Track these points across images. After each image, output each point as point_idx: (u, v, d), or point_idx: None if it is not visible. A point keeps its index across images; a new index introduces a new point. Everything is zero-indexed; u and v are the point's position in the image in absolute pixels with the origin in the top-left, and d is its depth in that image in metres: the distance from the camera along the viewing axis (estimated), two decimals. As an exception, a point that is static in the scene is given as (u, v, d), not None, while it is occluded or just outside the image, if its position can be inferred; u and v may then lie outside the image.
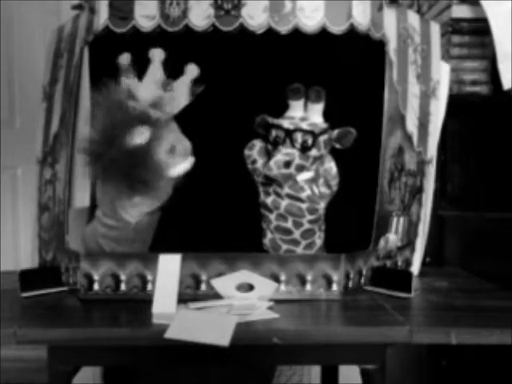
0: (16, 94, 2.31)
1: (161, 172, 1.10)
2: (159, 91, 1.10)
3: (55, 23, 1.44)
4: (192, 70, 1.15)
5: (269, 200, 1.20)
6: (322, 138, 1.17)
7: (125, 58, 1.11)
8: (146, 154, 1.07)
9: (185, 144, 1.14)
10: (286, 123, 1.17)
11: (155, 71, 1.13)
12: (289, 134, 1.16)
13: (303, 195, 1.18)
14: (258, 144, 1.23)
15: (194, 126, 1.27)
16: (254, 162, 1.22)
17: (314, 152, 1.16)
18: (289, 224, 1.19)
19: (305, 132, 1.15)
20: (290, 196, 1.18)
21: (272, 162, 1.15)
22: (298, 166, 1.16)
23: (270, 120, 1.19)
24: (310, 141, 1.15)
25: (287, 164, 1.15)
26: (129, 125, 1.06)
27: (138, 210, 1.13)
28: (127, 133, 1.06)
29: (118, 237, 1.15)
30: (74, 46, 1.21)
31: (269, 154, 1.20)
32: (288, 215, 1.19)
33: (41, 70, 1.34)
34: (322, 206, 1.20)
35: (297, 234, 1.20)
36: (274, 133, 1.17)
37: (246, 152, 1.23)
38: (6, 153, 2.26)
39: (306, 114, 1.19)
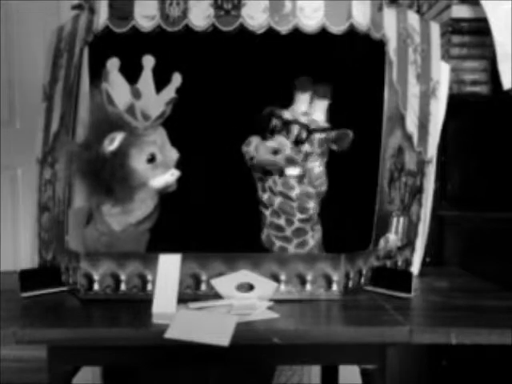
0: (16, 94, 2.31)
1: (136, 182, 1.09)
2: (132, 98, 1.09)
3: (55, 23, 1.44)
4: (176, 79, 1.14)
5: (265, 196, 1.21)
6: (318, 136, 1.17)
7: (113, 62, 1.09)
8: (114, 161, 1.07)
9: (168, 154, 1.13)
10: (286, 114, 1.17)
11: (146, 78, 1.12)
12: (286, 124, 1.16)
13: (293, 194, 1.19)
14: (254, 140, 1.22)
15: (192, 126, 1.27)
16: (251, 158, 1.21)
17: (306, 147, 1.17)
18: (281, 221, 1.20)
19: (301, 125, 1.16)
20: (282, 194, 1.19)
21: (262, 147, 1.16)
22: (288, 157, 1.16)
23: (274, 110, 1.19)
24: (304, 135, 1.16)
25: (275, 152, 1.16)
26: (107, 129, 1.07)
27: (120, 220, 1.13)
28: (105, 137, 1.06)
29: (107, 244, 1.15)
30: (74, 46, 1.21)
31: None
32: (281, 212, 1.20)
33: (41, 70, 1.34)
34: (311, 205, 1.20)
35: (288, 232, 1.21)
36: (273, 122, 1.18)
37: (244, 148, 1.23)
38: (6, 153, 2.26)
39: (310, 109, 1.19)
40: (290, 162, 1.17)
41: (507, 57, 1.47)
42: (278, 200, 1.20)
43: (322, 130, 1.18)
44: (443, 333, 0.93)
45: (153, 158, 1.11)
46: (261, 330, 0.93)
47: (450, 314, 1.03)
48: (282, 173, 1.18)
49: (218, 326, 0.92)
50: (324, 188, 1.20)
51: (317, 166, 1.18)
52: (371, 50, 1.19)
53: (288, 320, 0.99)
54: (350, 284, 1.13)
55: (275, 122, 1.18)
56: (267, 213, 1.22)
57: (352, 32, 1.12)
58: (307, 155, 1.18)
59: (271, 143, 1.16)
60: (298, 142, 1.16)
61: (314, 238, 1.23)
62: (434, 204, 1.33)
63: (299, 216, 1.20)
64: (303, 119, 1.17)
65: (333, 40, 1.12)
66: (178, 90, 1.14)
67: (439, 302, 1.11)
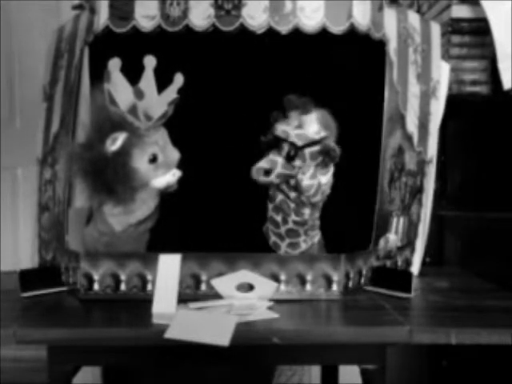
0: (16, 94, 2.30)
1: (138, 182, 1.09)
2: (134, 99, 1.09)
3: (55, 23, 1.44)
4: (178, 80, 1.13)
5: (271, 190, 1.21)
6: (308, 150, 1.16)
7: (115, 63, 1.09)
8: (117, 161, 1.07)
9: (170, 155, 1.13)
10: (279, 129, 1.17)
11: (148, 78, 1.12)
12: (277, 141, 1.17)
13: (292, 195, 1.18)
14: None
15: (193, 126, 1.27)
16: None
17: (297, 162, 1.16)
18: (279, 218, 1.21)
19: (290, 143, 1.15)
20: (284, 192, 1.19)
21: (254, 169, 1.17)
22: (280, 174, 1.17)
23: (278, 116, 1.19)
24: (292, 152, 1.16)
25: (267, 172, 1.17)
26: (109, 130, 1.07)
27: (121, 220, 1.13)
28: (107, 137, 1.06)
29: (108, 243, 1.15)
30: (74, 47, 1.21)
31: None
32: (279, 209, 1.20)
33: (41, 70, 1.34)
34: (306, 211, 1.19)
35: (282, 230, 1.21)
36: (268, 135, 1.18)
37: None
38: (5, 153, 2.26)
39: (303, 120, 1.18)
40: (283, 177, 1.17)
41: (507, 56, 1.47)
42: (279, 197, 1.20)
43: (313, 143, 1.16)
44: (443, 333, 0.93)
45: (154, 158, 1.11)
46: (261, 330, 0.93)
47: (450, 314, 1.03)
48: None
49: (218, 326, 0.92)
50: (316, 199, 1.18)
51: (306, 178, 1.16)
52: (371, 50, 1.19)
53: (288, 320, 0.99)
54: (350, 284, 1.13)
55: (269, 136, 1.18)
56: (270, 207, 1.22)
57: (352, 32, 1.12)
58: (300, 168, 1.17)
59: (263, 164, 1.17)
60: (289, 159, 1.16)
61: (306, 242, 1.22)
62: (434, 204, 1.33)
63: (294, 218, 1.20)
64: (296, 133, 1.15)
65: (333, 40, 1.13)
66: (180, 91, 1.14)
67: (439, 301, 1.11)
